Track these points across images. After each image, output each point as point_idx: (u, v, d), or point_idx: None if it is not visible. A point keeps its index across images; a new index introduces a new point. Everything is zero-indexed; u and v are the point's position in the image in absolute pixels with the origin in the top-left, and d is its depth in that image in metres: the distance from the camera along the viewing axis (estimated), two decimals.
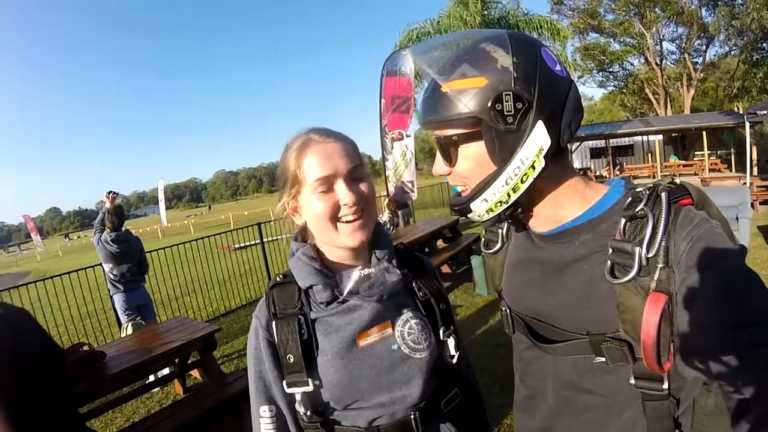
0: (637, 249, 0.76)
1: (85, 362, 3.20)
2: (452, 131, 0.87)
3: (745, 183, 10.97)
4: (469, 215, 0.94)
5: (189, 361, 4.54)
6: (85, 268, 6.69)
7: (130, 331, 4.69)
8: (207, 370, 4.32)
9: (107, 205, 5.33)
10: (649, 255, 0.76)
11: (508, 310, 1.08)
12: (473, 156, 0.87)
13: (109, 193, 5.36)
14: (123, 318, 5.30)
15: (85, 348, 3.31)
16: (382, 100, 9.30)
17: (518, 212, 0.93)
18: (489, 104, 0.79)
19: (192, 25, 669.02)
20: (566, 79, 0.85)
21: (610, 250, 0.81)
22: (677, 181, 0.87)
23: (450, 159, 0.90)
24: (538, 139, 0.81)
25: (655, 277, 0.75)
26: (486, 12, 16.91)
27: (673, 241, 0.76)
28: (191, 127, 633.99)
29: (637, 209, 0.80)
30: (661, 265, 0.75)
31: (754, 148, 13.78)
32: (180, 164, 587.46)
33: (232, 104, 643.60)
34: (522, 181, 0.84)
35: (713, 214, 0.82)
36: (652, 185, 0.84)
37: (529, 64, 0.80)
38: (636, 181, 0.95)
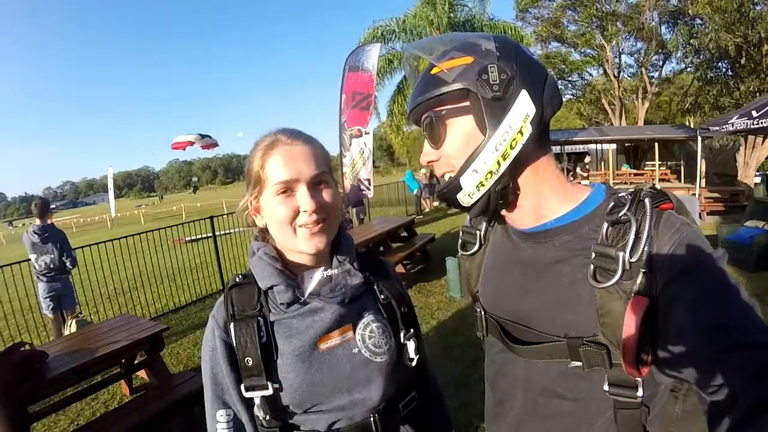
0: (621, 254, 0.77)
1: (27, 363, 3.07)
2: (441, 108, 0.89)
3: (693, 194, 11.41)
4: (458, 196, 0.92)
5: (135, 361, 4.39)
6: (21, 262, 6.06)
7: (74, 329, 4.51)
8: (154, 371, 4.17)
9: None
10: (633, 260, 0.76)
11: (482, 313, 1.07)
12: (462, 131, 0.88)
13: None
14: (43, 305, 5.71)
15: (26, 348, 3.17)
16: (343, 96, 9.17)
17: (503, 203, 0.92)
18: (475, 76, 0.83)
19: (147, 3, 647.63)
20: (543, 66, 0.91)
21: (593, 255, 0.82)
22: (657, 186, 0.88)
23: (438, 140, 0.91)
24: (524, 105, 0.84)
25: (638, 282, 0.76)
26: (452, 14, 17.08)
27: (656, 246, 0.78)
28: (145, 113, 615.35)
29: (620, 214, 0.81)
30: (643, 270, 0.76)
31: (703, 161, 14.30)
32: (132, 151, 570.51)
33: (190, 92, 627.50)
34: (511, 147, 0.85)
35: (690, 220, 0.83)
36: (633, 190, 0.86)
37: (510, 48, 0.87)
38: None
